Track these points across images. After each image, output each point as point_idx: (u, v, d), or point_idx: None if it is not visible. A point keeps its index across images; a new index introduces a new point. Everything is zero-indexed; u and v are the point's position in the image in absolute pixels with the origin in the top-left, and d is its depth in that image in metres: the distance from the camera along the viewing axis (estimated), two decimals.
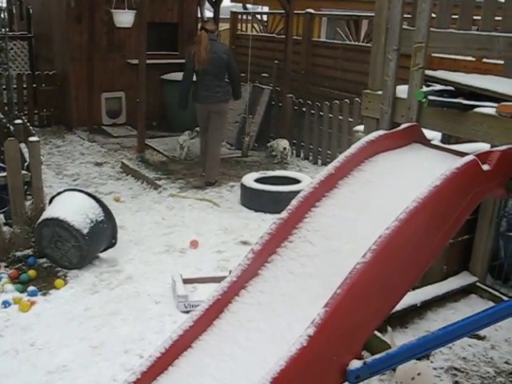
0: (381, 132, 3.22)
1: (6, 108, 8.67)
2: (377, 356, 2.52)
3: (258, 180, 6.99)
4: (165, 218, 6.47)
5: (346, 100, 8.23)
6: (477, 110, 3.33)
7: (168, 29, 11.36)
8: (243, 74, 8.44)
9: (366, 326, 2.45)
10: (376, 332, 3.80)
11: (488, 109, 3.29)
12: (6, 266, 5.06)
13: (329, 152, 8.52)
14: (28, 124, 7.08)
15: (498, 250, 4.91)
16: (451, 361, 3.99)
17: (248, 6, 14.86)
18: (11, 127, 6.95)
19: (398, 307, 4.23)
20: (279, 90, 9.61)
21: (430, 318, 4.49)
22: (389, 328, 3.75)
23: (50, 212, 5.13)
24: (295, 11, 9.61)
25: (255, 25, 12.44)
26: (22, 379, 3.64)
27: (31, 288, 4.72)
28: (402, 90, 3.64)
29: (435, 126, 3.50)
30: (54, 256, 5.13)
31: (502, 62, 5.47)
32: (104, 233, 5.23)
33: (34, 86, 10.77)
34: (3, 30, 8.08)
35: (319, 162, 8.77)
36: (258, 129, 9.35)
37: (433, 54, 4.11)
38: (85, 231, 5.00)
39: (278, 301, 2.63)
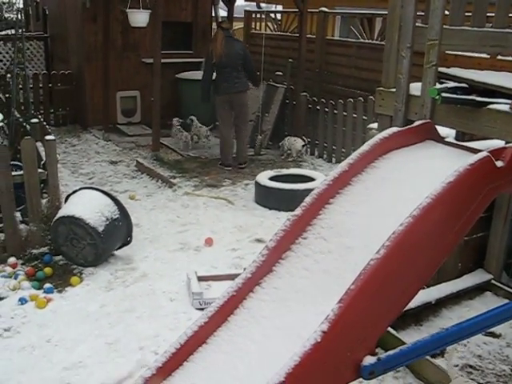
0: (394, 129, 3.22)
1: (23, 107, 8.73)
2: (391, 352, 2.53)
3: (272, 178, 7.00)
4: (179, 216, 6.50)
5: (360, 98, 8.22)
6: (491, 106, 3.33)
7: (182, 28, 11.41)
8: (258, 73, 8.47)
9: (380, 322, 2.46)
10: (389, 329, 3.80)
11: (502, 105, 3.28)
12: (22, 264, 5.12)
13: (343, 150, 8.52)
14: (44, 123, 7.14)
15: None
16: (466, 358, 3.97)
17: (262, 4, 14.83)
18: (28, 126, 7.02)
19: (413, 304, 4.24)
20: (293, 88, 9.62)
21: (445, 315, 4.47)
22: None
23: (65, 210, 5.18)
24: (309, 10, 9.61)
25: (269, 23, 12.44)
26: (39, 375, 3.68)
27: (47, 285, 4.76)
28: (416, 88, 3.64)
29: (449, 123, 3.50)
30: (69, 254, 5.18)
31: None
32: (119, 231, 5.27)
33: (50, 85, 10.87)
34: (20, 30, 8.13)
35: (333, 160, 8.77)
36: (272, 127, 9.37)
37: (447, 52, 4.09)
38: (100, 229, 5.04)
39: (293, 297, 2.65)
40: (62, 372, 3.72)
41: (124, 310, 4.49)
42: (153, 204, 6.89)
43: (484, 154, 2.62)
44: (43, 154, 5.60)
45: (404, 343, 3.34)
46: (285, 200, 6.54)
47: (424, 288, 4.50)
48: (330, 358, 2.30)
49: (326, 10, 10.40)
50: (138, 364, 3.78)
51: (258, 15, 12.52)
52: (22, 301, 4.51)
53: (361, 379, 2.80)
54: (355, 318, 2.30)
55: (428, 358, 3.69)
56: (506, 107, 3.26)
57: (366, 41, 9.84)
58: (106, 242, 5.11)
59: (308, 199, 2.89)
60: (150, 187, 7.54)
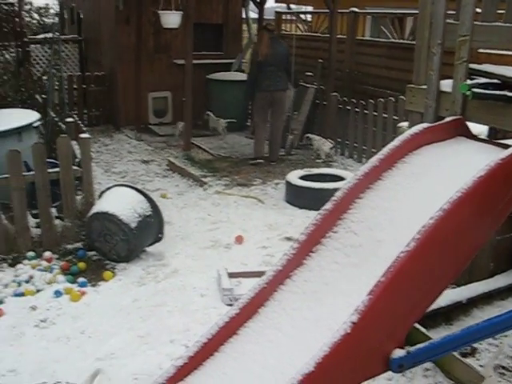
0: (425, 125, 3.23)
1: (58, 108, 8.90)
2: (420, 345, 2.54)
3: (302, 177, 7.03)
4: (210, 214, 6.56)
5: (391, 98, 8.20)
6: None
7: (213, 29, 11.49)
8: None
9: (409, 315, 2.48)
10: (419, 326, 3.80)
11: None
12: (57, 258, 5.22)
13: (373, 150, 8.48)
14: (79, 122, 7.28)
15: None
16: (498, 359, 3.94)
17: (292, 6, 14.85)
18: (63, 125, 7.16)
19: (443, 303, 4.23)
20: (324, 88, 9.64)
21: (476, 315, 4.43)
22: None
23: (99, 206, 5.27)
24: (339, 10, 9.62)
25: (299, 24, 12.47)
26: (73, 365, 3.76)
27: (81, 279, 4.86)
28: (446, 84, 3.63)
29: (480, 119, 3.48)
30: (102, 249, 5.27)
31: None
32: (151, 227, 5.35)
33: (84, 86, 11.05)
34: (57, 33, 8.31)
35: (363, 160, 8.75)
36: (303, 127, 9.38)
37: (479, 50, 4.07)
38: (133, 225, 5.12)
39: (323, 289, 2.68)
40: (95, 362, 3.79)
41: (155, 305, 4.56)
42: (184, 202, 6.97)
43: None
44: (78, 152, 5.71)
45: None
46: (315, 199, 6.53)
47: (455, 287, 4.49)
48: (359, 350, 2.32)
49: (356, 10, 10.40)
50: (169, 357, 3.85)
51: (289, 16, 12.55)
52: (57, 294, 4.62)
53: (391, 375, 2.83)
54: (385, 309, 2.33)
55: (458, 356, 3.68)
56: None
57: (397, 40, 9.81)
58: (138, 238, 5.19)
59: (339, 194, 2.91)
60: (181, 186, 7.63)
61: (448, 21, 3.60)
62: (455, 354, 3.64)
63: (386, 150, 3.04)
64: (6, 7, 11.86)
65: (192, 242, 5.79)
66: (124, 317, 4.38)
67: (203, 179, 7.66)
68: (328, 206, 2.88)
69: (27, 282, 4.82)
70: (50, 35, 11.40)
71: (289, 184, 6.99)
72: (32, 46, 12.55)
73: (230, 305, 4.45)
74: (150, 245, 5.48)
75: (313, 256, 2.82)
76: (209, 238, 5.91)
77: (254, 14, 12.61)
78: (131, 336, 4.12)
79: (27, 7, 17.41)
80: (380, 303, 2.28)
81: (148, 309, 4.50)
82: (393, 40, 9.89)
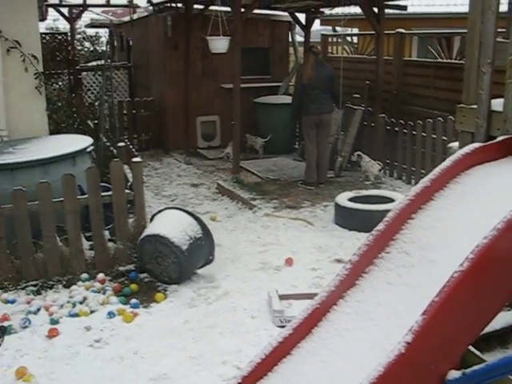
0: (476, 145, 3.22)
1: (109, 133, 9.13)
2: (476, 367, 2.50)
3: (351, 199, 7.01)
4: (260, 237, 6.60)
5: (439, 118, 8.13)
6: None
7: (260, 53, 11.67)
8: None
9: (464, 336, 2.46)
10: (473, 349, 3.73)
11: None
12: (110, 280, 5.33)
13: (422, 171, 8.41)
14: (130, 146, 7.44)
15: None
16: None
17: (338, 28, 14.91)
18: (114, 150, 7.33)
19: (498, 326, 4.13)
20: (371, 110, 9.63)
21: None
22: None
23: (151, 229, 5.36)
24: (385, 31, 9.63)
25: (345, 46, 12.50)
26: None
27: (134, 301, 4.94)
28: (497, 103, 3.60)
29: None
30: (154, 271, 5.35)
31: None
32: (202, 250, 5.41)
33: (134, 111, 11.30)
34: (108, 60, 8.56)
35: (413, 181, 8.68)
36: (351, 149, 9.38)
37: None
38: (184, 248, 5.19)
39: (375, 310, 2.68)
40: (148, 382, 3.84)
41: (207, 326, 4.60)
42: (233, 225, 7.04)
43: None
44: (129, 176, 5.83)
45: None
46: (364, 221, 6.50)
47: (510, 309, 4.40)
48: (413, 370, 2.31)
49: (402, 31, 10.38)
50: (221, 377, 3.87)
51: (335, 39, 12.59)
52: (111, 315, 4.70)
53: None
54: (439, 330, 2.31)
55: None
56: None
57: (445, 60, 9.74)
58: (190, 260, 5.26)
59: (391, 214, 2.92)
60: (230, 209, 7.71)
61: (498, 39, 3.59)
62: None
63: (437, 171, 3.04)
64: (59, 37, 12.28)
65: (242, 265, 5.83)
66: (176, 338, 4.42)
67: (252, 202, 7.72)
68: (380, 226, 2.89)
69: (81, 303, 4.93)
70: (101, 62, 11.77)
71: (338, 206, 6.98)
72: (83, 73, 12.96)
73: (281, 326, 4.46)
74: (201, 267, 5.54)
75: (365, 276, 2.83)
76: (259, 260, 5.94)
77: (300, 38, 12.73)
78: (183, 357, 4.16)
79: (79, 36, 18.00)
80: (434, 323, 2.27)
81: (199, 330, 4.54)
82: (440, 60, 9.81)
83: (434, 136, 8.19)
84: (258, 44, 11.61)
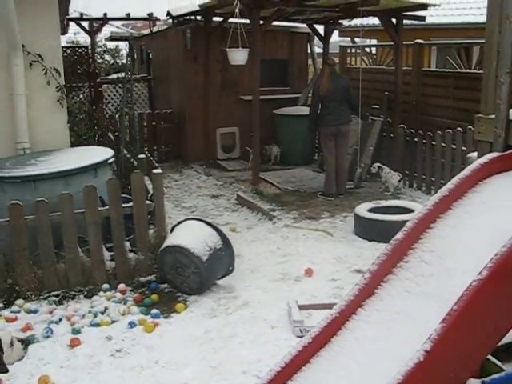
0: (494, 154, 3.23)
1: (129, 145, 9.23)
2: (495, 376, 2.51)
3: (371, 210, 7.01)
4: (280, 248, 6.62)
5: (459, 128, 8.11)
6: None
7: (279, 65, 11.72)
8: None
9: (483, 345, 2.46)
10: (492, 359, 3.71)
11: None
12: (131, 290, 5.38)
13: (442, 181, 8.38)
14: (151, 158, 7.51)
15: None
16: None
17: (356, 39, 14.95)
18: (135, 162, 7.40)
19: (507, 338, 4.11)
20: (390, 121, 9.63)
21: None
22: None
23: (171, 240, 5.41)
24: (404, 42, 9.65)
25: (364, 57, 12.51)
26: None
27: (154, 311, 4.98)
28: None
29: None
30: (174, 281, 5.39)
31: None
32: (222, 260, 5.44)
33: (154, 123, 11.40)
34: (128, 73, 8.66)
35: (432, 192, 8.63)
36: (370, 160, 9.38)
37: None
38: (204, 258, 5.22)
39: (394, 319, 2.69)
40: None
41: (227, 336, 4.62)
42: (253, 236, 7.07)
43: None
44: (150, 187, 5.89)
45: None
46: (384, 231, 6.47)
47: None
48: (432, 378, 2.32)
49: (421, 41, 10.39)
50: None
51: (353, 50, 12.62)
52: (132, 325, 4.75)
53: None
54: (458, 338, 2.32)
55: None
56: None
57: (464, 70, 9.72)
58: (210, 270, 5.29)
59: (409, 224, 2.94)
60: (250, 220, 7.74)
61: None
62: None
63: (455, 180, 3.05)
64: (80, 50, 12.44)
65: (262, 275, 5.85)
66: (196, 348, 4.45)
67: (272, 213, 7.74)
68: (399, 236, 2.91)
69: (102, 313, 4.99)
70: (121, 75, 11.90)
71: (357, 217, 6.98)
72: (104, 85, 13.11)
73: (301, 336, 4.46)
74: (221, 277, 5.57)
75: (384, 286, 2.84)
76: (278, 270, 5.95)
77: (318, 49, 12.77)
78: (204, 366, 4.18)
79: (99, 49, 18.22)
80: (453, 331, 2.28)
81: (220, 340, 4.56)
82: (459, 70, 9.80)
83: (453, 146, 8.17)
84: (277, 56, 11.67)
